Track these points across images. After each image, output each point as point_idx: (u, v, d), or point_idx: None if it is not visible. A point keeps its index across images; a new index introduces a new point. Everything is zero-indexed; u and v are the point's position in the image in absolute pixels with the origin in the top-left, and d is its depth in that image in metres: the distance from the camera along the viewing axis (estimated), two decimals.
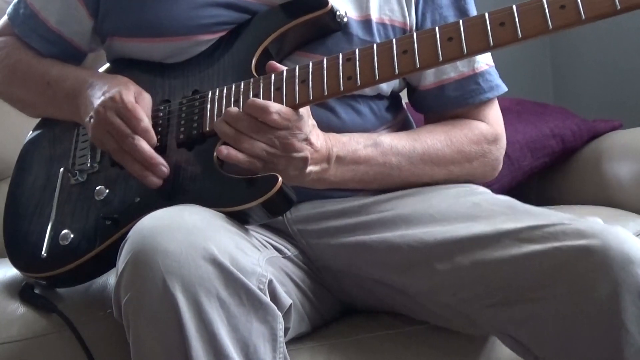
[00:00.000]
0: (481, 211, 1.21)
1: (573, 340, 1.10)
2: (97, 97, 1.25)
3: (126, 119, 1.21)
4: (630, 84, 2.37)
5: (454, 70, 1.34)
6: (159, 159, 1.21)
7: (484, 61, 1.36)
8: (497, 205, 1.23)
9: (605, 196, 1.78)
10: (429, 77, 1.35)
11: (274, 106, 1.15)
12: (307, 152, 1.18)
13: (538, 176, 1.95)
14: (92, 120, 1.24)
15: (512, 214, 1.19)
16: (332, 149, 1.23)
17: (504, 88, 1.38)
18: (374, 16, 1.31)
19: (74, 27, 1.40)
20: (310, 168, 1.20)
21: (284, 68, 1.20)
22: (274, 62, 1.21)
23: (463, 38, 1.10)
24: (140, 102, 1.24)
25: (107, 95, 1.24)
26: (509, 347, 1.19)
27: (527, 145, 1.89)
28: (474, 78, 1.35)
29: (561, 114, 1.97)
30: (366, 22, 1.31)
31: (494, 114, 1.38)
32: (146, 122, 1.22)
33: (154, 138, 1.22)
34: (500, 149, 1.37)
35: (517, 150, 1.88)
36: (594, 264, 1.08)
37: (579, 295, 1.08)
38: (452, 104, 1.35)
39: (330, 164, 1.23)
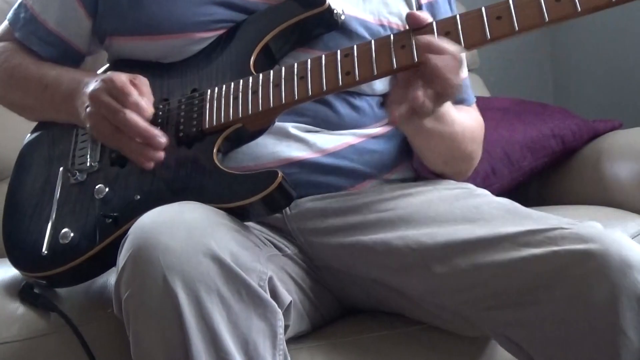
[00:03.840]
0: (481, 214, 1.21)
1: (570, 343, 1.09)
2: (91, 87, 1.24)
3: (115, 96, 1.20)
4: (630, 84, 2.37)
5: None
6: (154, 130, 1.18)
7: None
8: (497, 209, 1.22)
9: (605, 196, 1.78)
10: None
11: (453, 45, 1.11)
12: None
13: (538, 176, 1.96)
14: (88, 109, 1.23)
15: (511, 217, 1.19)
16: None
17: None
18: (373, 17, 1.32)
19: (72, 28, 1.40)
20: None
21: (427, 19, 1.15)
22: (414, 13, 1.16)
23: (460, 32, 1.11)
24: (135, 81, 1.23)
25: (99, 80, 1.23)
26: (506, 349, 1.19)
27: (527, 145, 1.90)
28: (464, 82, 1.38)
29: (561, 114, 1.97)
30: (365, 22, 1.31)
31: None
32: (135, 96, 1.20)
33: (147, 111, 1.20)
34: None
35: (517, 150, 1.89)
36: (592, 268, 1.07)
37: (577, 298, 1.08)
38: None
39: (433, 115, 1.19)
